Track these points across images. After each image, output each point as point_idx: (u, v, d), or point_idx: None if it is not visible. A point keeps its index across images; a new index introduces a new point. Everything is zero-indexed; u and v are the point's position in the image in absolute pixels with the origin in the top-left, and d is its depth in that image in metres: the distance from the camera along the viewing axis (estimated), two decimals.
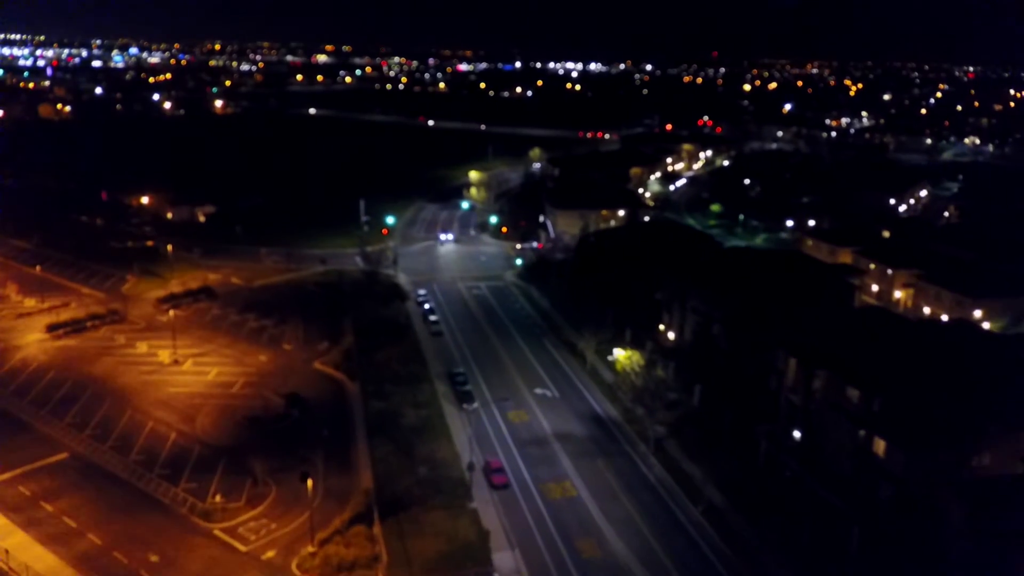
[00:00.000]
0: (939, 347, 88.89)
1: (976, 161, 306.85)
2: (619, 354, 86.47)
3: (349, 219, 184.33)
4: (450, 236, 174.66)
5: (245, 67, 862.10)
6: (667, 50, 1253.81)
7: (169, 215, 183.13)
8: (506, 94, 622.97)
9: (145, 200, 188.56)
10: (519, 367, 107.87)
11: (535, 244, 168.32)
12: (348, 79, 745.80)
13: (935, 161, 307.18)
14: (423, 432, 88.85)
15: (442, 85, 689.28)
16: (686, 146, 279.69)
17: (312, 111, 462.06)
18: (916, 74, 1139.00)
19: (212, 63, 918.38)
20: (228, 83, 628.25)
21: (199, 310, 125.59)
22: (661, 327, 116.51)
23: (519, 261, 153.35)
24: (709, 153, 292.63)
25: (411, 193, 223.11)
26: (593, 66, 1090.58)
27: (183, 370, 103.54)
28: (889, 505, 72.72)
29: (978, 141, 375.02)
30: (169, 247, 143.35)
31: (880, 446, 75.77)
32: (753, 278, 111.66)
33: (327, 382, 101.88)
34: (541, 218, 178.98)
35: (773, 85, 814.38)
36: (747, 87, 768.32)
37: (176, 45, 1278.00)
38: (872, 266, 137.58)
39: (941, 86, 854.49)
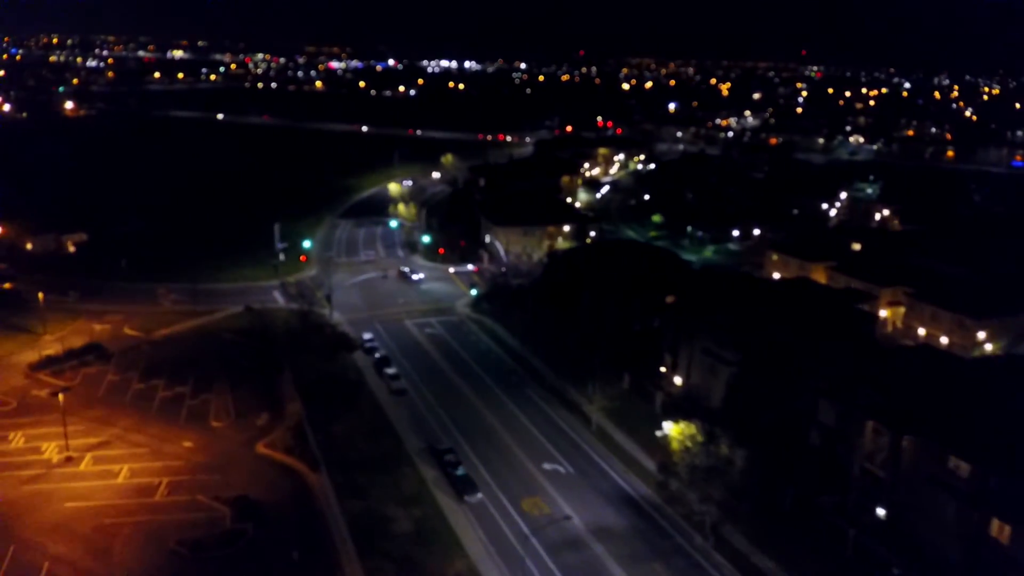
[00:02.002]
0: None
1: (875, 161, 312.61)
2: (670, 430, 70.08)
3: (253, 243, 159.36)
4: (421, 275, 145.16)
5: (92, 63, 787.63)
6: (533, 48, 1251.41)
7: (28, 246, 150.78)
8: (388, 93, 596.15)
9: None
10: (512, 433, 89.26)
11: (470, 267, 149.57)
12: (213, 77, 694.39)
13: (837, 160, 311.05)
14: (425, 541, 69.12)
15: (319, 84, 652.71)
16: (602, 150, 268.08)
17: (178, 113, 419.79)
18: (772, 73, 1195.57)
19: (52, 58, 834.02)
20: (76, 81, 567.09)
21: (89, 377, 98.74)
22: (663, 369, 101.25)
23: (474, 291, 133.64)
24: (621, 157, 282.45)
25: (317, 208, 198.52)
26: (468, 64, 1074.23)
27: (81, 471, 78.06)
28: None
29: (862, 139, 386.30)
30: (40, 295, 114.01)
31: (1002, 530, 63.06)
32: (763, 310, 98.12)
33: (280, 474, 79.42)
34: (486, 237, 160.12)
35: (649, 84, 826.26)
36: (626, 86, 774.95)
37: (6, 39, 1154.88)
38: (851, 284, 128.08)
39: (799, 85, 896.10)
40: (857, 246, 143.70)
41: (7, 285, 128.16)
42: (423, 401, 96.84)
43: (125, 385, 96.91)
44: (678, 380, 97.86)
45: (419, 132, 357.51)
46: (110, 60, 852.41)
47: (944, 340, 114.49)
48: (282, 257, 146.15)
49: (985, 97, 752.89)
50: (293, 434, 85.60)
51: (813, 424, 79.01)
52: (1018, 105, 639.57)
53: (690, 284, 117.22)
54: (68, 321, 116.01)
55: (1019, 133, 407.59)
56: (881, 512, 71.06)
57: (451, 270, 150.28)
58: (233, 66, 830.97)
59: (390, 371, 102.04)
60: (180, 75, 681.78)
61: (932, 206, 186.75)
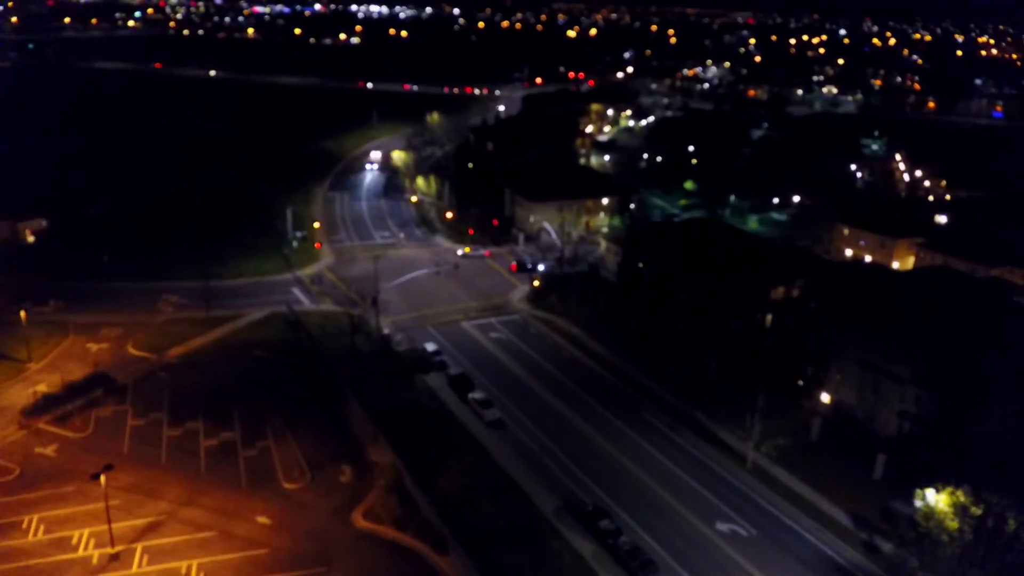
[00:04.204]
0: None
1: (862, 114, 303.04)
2: (935, 500, 55.25)
3: (247, 224, 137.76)
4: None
5: None
6: None
7: None
8: (328, 41, 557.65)
9: None
10: (657, 479, 73.09)
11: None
12: (132, 23, 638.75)
13: (826, 114, 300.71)
14: None
15: (251, 31, 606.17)
16: (595, 106, 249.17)
17: (105, 65, 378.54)
18: (707, 20, 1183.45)
19: None
20: None
21: (104, 423, 77.75)
22: (800, 383, 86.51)
23: (534, 283, 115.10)
24: (611, 113, 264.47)
25: (302, 179, 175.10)
26: (400, 10, 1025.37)
27: (135, 575, 58.65)
28: None
29: (835, 90, 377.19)
30: (23, 313, 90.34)
31: None
32: (914, 308, 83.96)
33: (397, 559, 61.52)
34: (515, 213, 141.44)
35: (594, 32, 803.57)
36: (571, 33, 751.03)
37: None
38: (947, 263, 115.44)
39: (739, 32, 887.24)
40: (943, 219, 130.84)
41: None
42: (527, 435, 79.65)
43: (154, 432, 76.41)
44: (825, 398, 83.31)
45: (371, 85, 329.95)
46: (10, 3, 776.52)
47: None
48: (295, 244, 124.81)
49: (918, 43, 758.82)
50: (395, 496, 67.61)
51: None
52: (960, 52, 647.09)
53: (798, 275, 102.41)
54: (54, 339, 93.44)
55: (977, 81, 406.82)
56: None
57: (459, 252, 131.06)
58: (150, 10, 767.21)
59: (477, 396, 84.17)
60: (94, 20, 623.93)
61: (975, 168, 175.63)
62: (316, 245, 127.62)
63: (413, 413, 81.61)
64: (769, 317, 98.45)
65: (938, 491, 56.76)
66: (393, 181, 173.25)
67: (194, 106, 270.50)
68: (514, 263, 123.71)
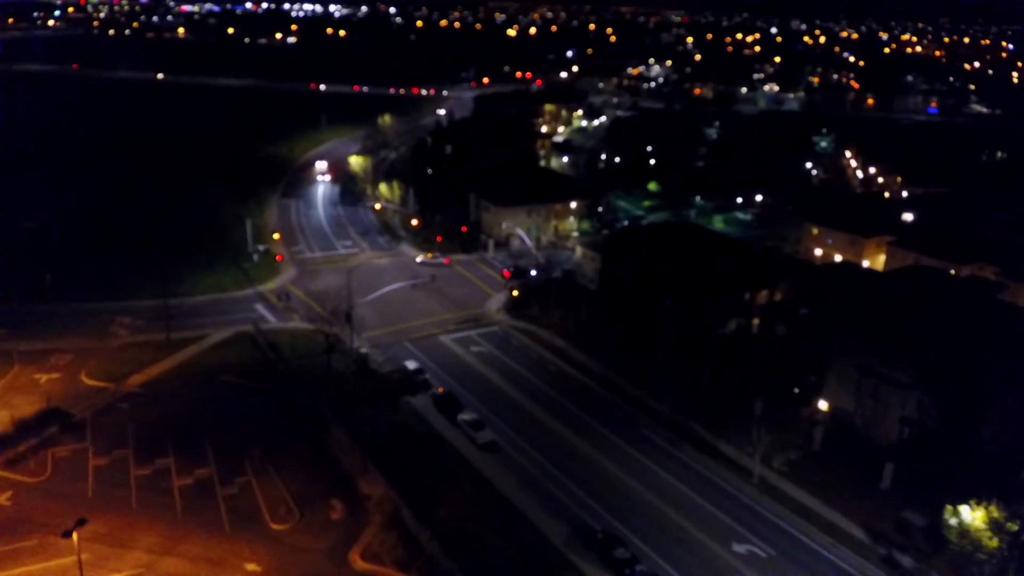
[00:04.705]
0: None
1: (805, 111, 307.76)
2: (970, 517, 53.26)
3: (200, 236, 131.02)
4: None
5: None
6: None
7: None
8: (264, 41, 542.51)
9: None
10: (663, 498, 70.08)
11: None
12: (52, 22, 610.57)
13: (770, 111, 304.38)
14: None
15: (181, 30, 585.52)
16: (548, 107, 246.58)
17: (29, 67, 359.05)
18: (642, 18, 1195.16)
19: None
20: None
21: (63, 464, 70.79)
22: (796, 391, 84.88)
23: (512, 293, 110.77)
24: (563, 113, 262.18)
25: (252, 187, 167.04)
26: (334, 9, 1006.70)
27: None
28: None
29: (777, 88, 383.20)
30: None
31: None
32: (905, 310, 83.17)
33: None
34: (481, 219, 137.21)
35: (533, 31, 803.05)
36: (511, 32, 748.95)
37: None
38: (919, 262, 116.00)
39: (674, 31, 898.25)
40: (909, 216, 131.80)
41: None
42: (524, 457, 75.80)
43: (120, 472, 69.90)
44: (823, 405, 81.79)
45: (324, 87, 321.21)
46: None
47: None
48: (256, 258, 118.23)
49: (846, 41, 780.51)
50: (394, 533, 63.03)
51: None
52: (887, 50, 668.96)
53: (781, 278, 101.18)
54: (0, 370, 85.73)
55: (908, 78, 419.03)
56: None
57: (418, 259, 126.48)
58: (71, 9, 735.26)
59: (467, 417, 79.88)
60: (11, 20, 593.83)
61: (925, 164, 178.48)
62: (277, 258, 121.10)
63: (401, 438, 77.04)
64: (756, 321, 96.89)
65: (972, 508, 55.03)
66: (349, 187, 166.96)
67: (130, 110, 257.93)
68: (507, 270, 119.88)
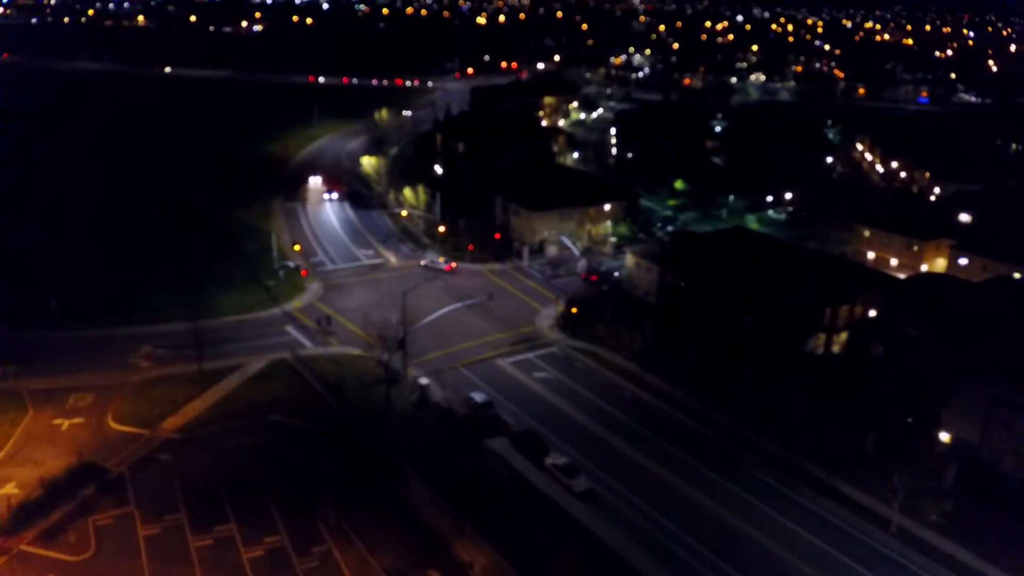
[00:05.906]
0: None
1: (798, 102, 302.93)
2: None
3: (211, 249, 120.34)
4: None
5: None
6: None
7: None
8: (229, 30, 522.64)
9: None
10: (803, 557, 61.84)
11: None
12: (3, 10, 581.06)
13: (765, 102, 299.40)
14: None
15: (141, 18, 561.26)
16: (548, 99, 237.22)
17: None
18: (608, 5, 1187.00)
19: None
20: None
21: (107, 535, 60.29)
22: (909, 421, 77.79)
23: (571, 309, 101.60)
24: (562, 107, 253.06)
25: (252, 189, 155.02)
26: None
27: None
28: None
29: (763, 78, 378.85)
30: None
31: None
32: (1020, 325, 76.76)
33: None
34: (509, 223, 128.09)
35: (502, 19, 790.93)
36: (481, 20, 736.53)
37: None
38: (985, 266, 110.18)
39: (642, 19, 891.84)
40: (966, 217, 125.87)
41: None
42: (627, 506, 67.36)
43: (176, 543, 59.77)
44: (944, 437, 74.85)
45: (322, 79, 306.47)
46: None
47: None
48: (281, 275, 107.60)
49: (819, 30, 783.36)
50: None
51: None
52: (856, 38, 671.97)
53: (861, 289, 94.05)
54: (10, 416, 74.27)
55: (887, 66, 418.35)
56: None
57: (422, 262, 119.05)
58: None
59: (557, 461, 71.08)
60: None
61: (945, 156, 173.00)
62: (302, 273, 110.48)
63: (487, 488, 68.06)
64: (844, 338, 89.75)
65: None
66: (358, 189, 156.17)
67: (103, 105, 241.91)
68: (583, 272, 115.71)
